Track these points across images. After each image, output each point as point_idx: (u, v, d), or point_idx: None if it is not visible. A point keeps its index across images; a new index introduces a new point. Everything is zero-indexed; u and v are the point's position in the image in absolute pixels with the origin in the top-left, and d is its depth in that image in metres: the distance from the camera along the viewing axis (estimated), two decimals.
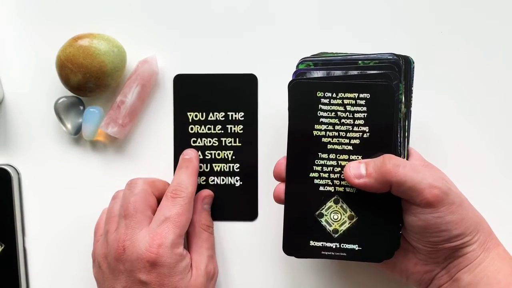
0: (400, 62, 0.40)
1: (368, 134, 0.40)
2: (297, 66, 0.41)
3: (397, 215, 0.39)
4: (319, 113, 0.40)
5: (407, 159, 0.41)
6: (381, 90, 0.39)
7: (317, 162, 0.40)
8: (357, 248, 0.40)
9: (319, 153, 0.40)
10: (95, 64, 0.45)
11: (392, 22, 0.48)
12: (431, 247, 0.39)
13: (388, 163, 0.37)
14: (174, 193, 0.43)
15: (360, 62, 0.40)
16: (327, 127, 0.40)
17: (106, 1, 0.49)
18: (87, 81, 0.45)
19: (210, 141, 0.48)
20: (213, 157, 0.48)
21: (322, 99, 0.40)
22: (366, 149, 0.40)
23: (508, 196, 0.48)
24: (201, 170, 0.48)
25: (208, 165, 0.48)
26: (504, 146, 0.48)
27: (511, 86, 0.48)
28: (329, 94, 0.40)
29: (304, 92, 0.40)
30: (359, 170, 0.38)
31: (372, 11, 0.48)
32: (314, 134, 0.40)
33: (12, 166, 0.49)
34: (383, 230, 0.40)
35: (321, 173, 0.40)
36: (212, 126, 0.48)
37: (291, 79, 0.41)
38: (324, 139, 0.40)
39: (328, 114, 0.40)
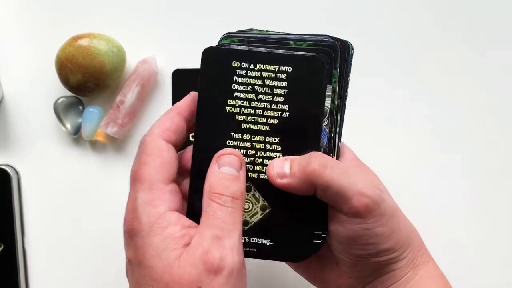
0: (337, 46, 0.34)
1: (287, 113, 0.34)
2: (220, 40, 0.35)
3: (318, 214, 0.34)
4: (234, 86, 0.34)
5: (338, 157, 0.35)
6: (306, 64, 0.34)
7: (229, 143, 0.34)
8: (268, 244, 0.34)
9: (232, 133, 0.34)
10: (95, 64, 0.45)
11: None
12: (355, 260, 0.34)
13: (314, 162, 0.32)
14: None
15: (292, 42, 0.35)
16: (242, 103, 0.34)
17: (106, 1, 0.49)
18: (87, 81, 0.45)
19: None
20: None
21: (238, 70, 0.34)
22: (285, 131, 0.34)
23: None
24: None
25: None
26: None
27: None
28: (246, 65, 0.34)
29: (218, 61, 0.34)
30: (283, 168, 0.33)
31: None
32: (227, 110, 0.34)
33: (11, 166, 0.49)
34: (300, 227, 0.34)
35: None
36: None
37: None
38: (238, 117, 0.34)
39: (244, 88, 0.34)
